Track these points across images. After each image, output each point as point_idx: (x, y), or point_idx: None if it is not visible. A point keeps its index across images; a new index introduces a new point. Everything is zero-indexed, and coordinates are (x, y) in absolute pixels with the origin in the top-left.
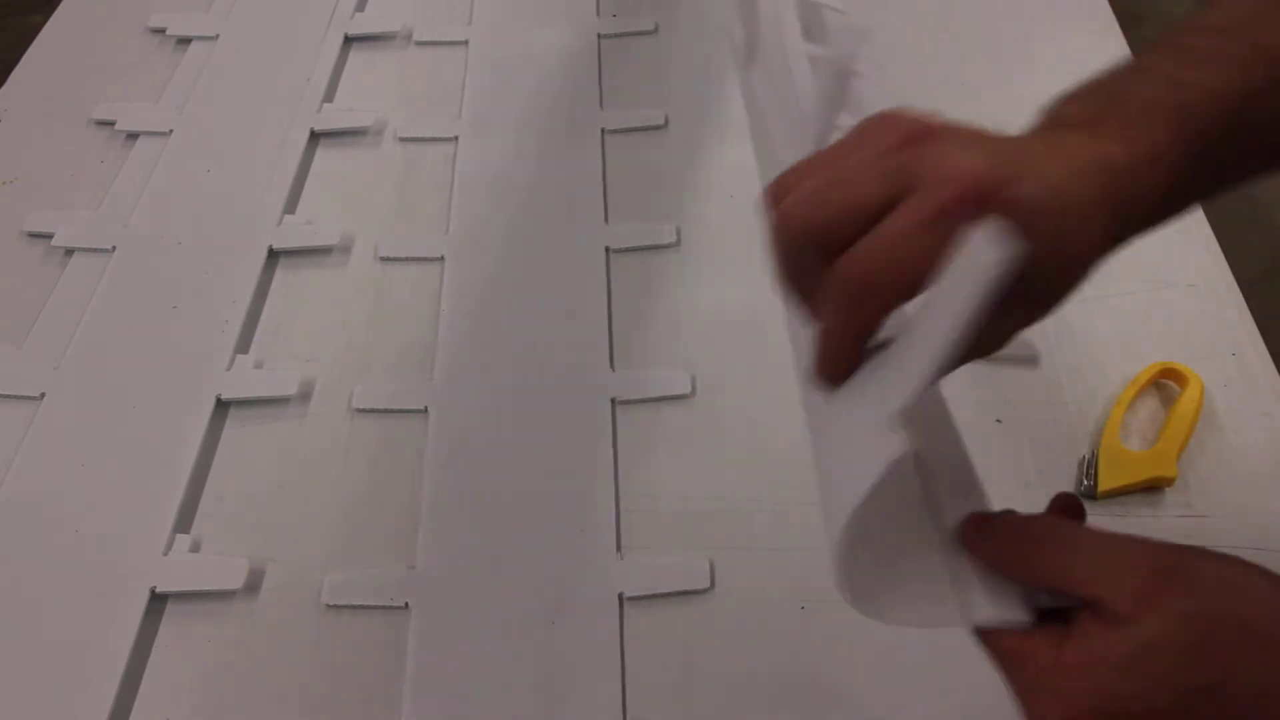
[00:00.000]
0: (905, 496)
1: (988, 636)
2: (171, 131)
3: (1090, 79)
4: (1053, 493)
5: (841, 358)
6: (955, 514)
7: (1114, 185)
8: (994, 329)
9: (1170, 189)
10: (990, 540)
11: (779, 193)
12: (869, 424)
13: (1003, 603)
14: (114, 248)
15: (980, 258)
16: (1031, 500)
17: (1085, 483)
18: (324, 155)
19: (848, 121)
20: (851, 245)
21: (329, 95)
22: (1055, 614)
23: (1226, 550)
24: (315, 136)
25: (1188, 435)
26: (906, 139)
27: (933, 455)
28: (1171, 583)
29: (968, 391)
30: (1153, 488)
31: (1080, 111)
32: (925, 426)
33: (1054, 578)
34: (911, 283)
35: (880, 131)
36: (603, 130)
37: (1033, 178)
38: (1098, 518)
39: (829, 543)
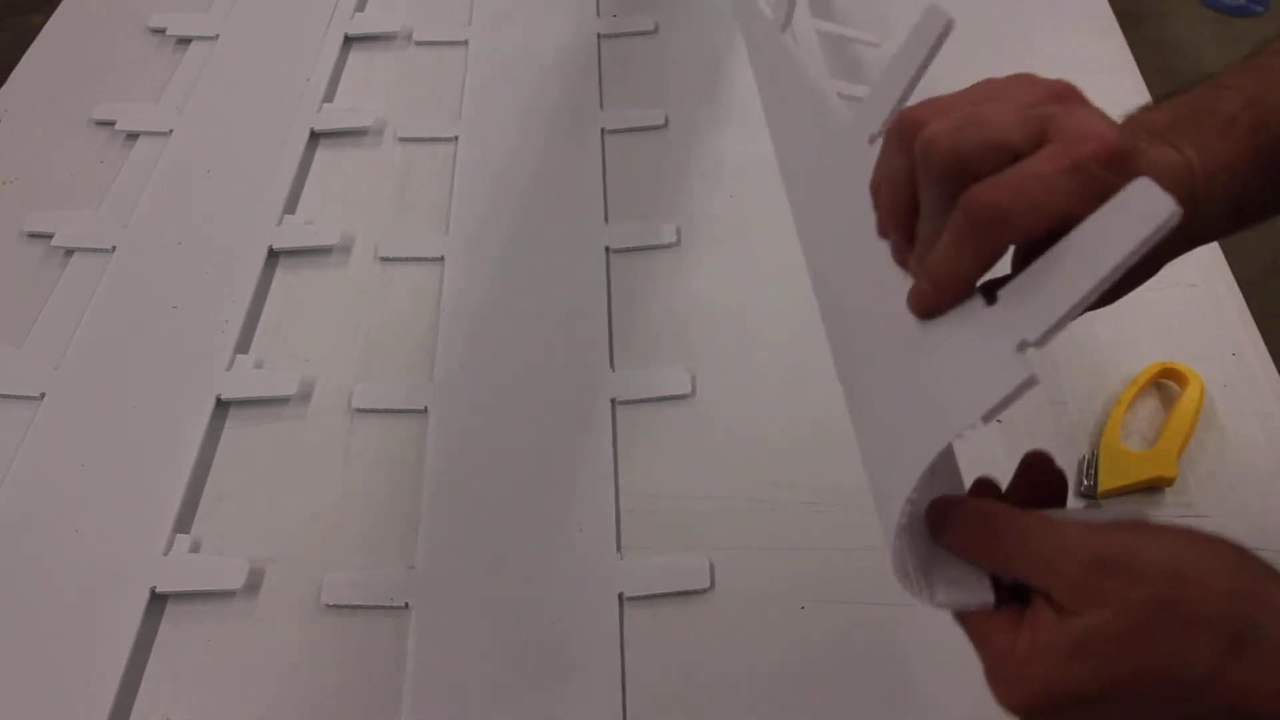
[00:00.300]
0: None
1: (960, 614)
2: (171, 131)
3: (1174, 92)
4: None
5: (955, 285)
6: (929, 492)
7: (1190, 190)
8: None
9: (1241, 201)
10: (949, 529)
11: (909, 124)
12: (990, 349)
13: (963, 585)
14: (114, 248)
15: (1140, 209)
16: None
17: (1085, 483)
18: (324, 155)
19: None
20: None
21: (329, 95)
22: (1019, 590)
23: None
24: (315, 136)
25: (1188, 435)
26: (1050, 95)
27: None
28: (1110, 573)
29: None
30: (1153, 488)
31: (1163, 120)
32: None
33: (1005, 568)
34: (1037, 224)
35: (1022, 85)
36: (603, 130)
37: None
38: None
39: (892, 476)
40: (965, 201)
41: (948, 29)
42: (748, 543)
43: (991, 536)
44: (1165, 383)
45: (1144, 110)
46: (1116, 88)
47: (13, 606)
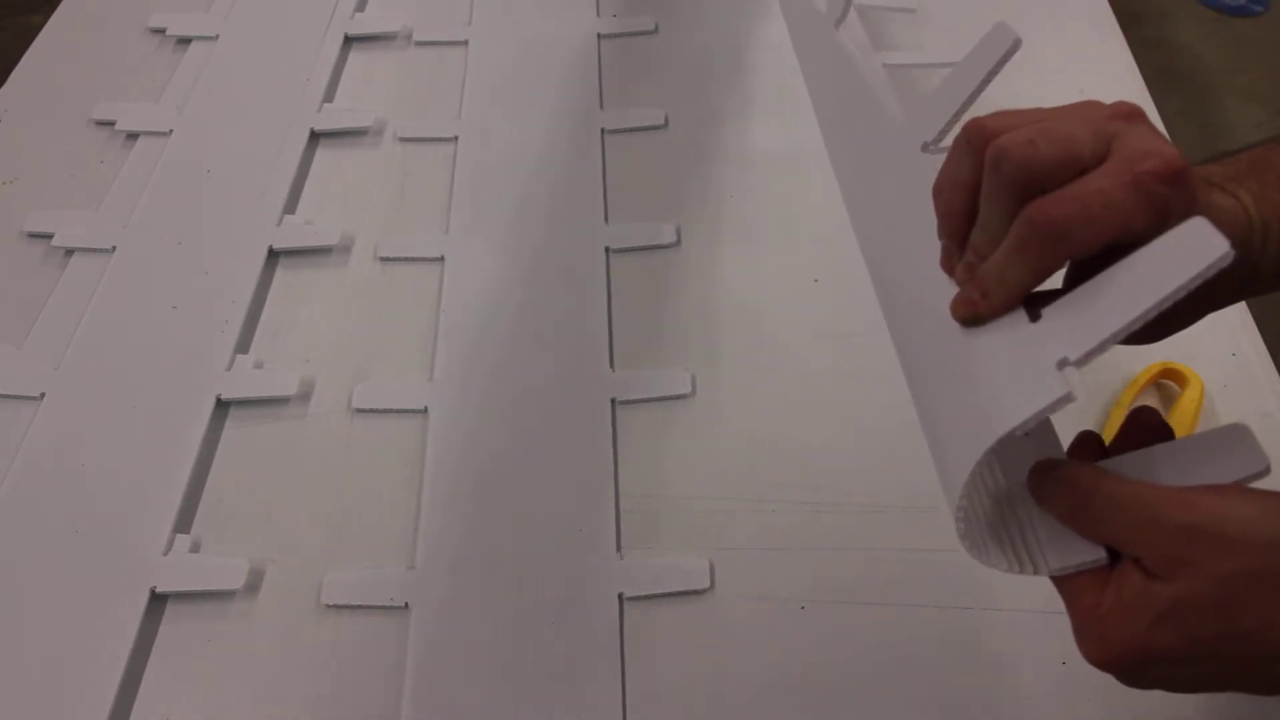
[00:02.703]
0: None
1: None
2: (171, 131)
3: (1237, 153)
4: None
5: (1006, 296)
6: (1024, 453)
7: (1246, 236)
8: (1145, 337)
9: None
10: (1047, 495)
11: (981, 133)
12: (1033, 362)
13: (1073, 547)
14: (114, 248)
15: (1194, 246)
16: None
17: None
18: (324, 155)
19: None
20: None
21: (329, 95)
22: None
23: None
24: (315, 136)
25: (1188, 435)
26: (1115, 115)
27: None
28: (1199, 542)
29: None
30: None
31: (1221, 172)
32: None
33: (1095, 535)
34: (1096, 239)
35: (1088, 105)
36: (603, 130)
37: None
38: None
39: (948, 467)
40: (1032, 213)
41: (1015, 47)
42: (748, 543)
43: (1084, 504)
44: (1165, 383)
45: (1205, 164)
46: (1116, 88)
47: (13, 606)
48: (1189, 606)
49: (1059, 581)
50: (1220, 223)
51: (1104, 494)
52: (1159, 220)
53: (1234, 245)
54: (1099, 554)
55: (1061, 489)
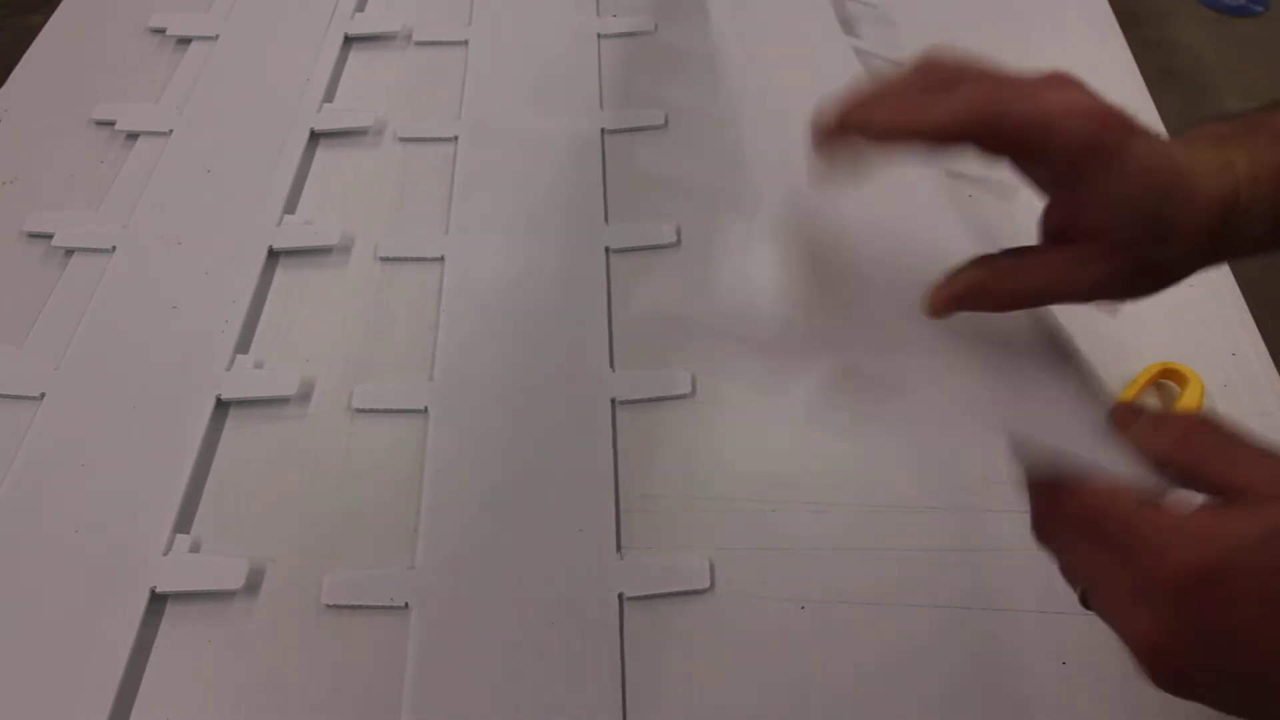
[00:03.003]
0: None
1: (1084, 514)
2: (171, 131)
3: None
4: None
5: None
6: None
7: (1229, 187)
8: (1122, 291)
9: None
10: (1142, 427)
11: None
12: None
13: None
14: (114, 248)
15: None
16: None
17: None
18: (324, 155)
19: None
20: None
21: (329, 95)
22: None
23: None
24: (315, 136)
25: None
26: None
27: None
28: None
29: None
30: None
31: (1215, 128)
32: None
33: (1207, 463)
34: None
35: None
36: (603, 130)
37: (1148, 141)
38: None
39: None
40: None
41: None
42: (748, 543)
43: (1194, 434)
44: (1165, 383)
45: (1202, 121)
46: (1116, 88)
47: (12, 606)
48: None
49: (1122, 514)
50: (1201, 177)
51: (1221, 430)
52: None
53: (1218, 189)
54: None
55: (1164, 420)
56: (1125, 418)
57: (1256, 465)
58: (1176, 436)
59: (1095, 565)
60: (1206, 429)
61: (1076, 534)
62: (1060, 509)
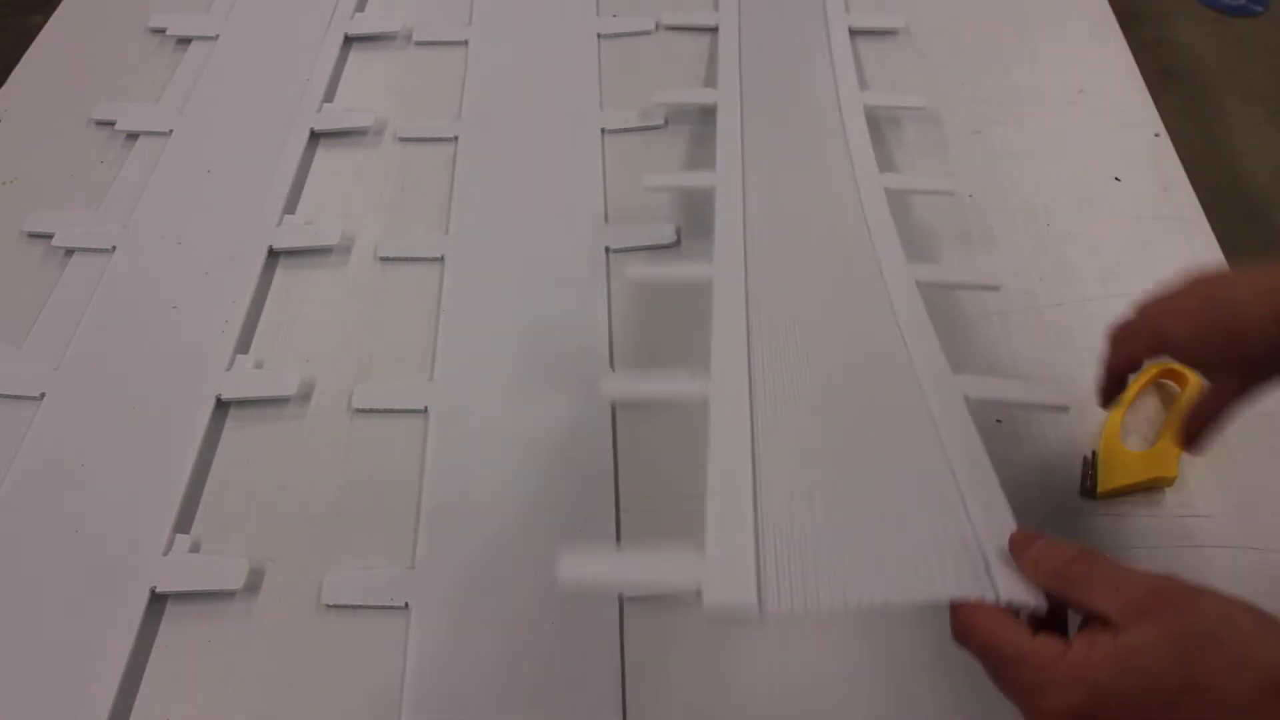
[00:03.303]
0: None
1: (985, 641)
2: (171, 131)
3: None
4: (1053, 493)
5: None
6: (977, 509)
7: None
8: (1224, 401)
9: None
10: (1032, 555)
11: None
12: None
13: (1025, 590)
14: (114, 248)
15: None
16: (1031, 500)
17: (1086, 483)
18: (324, 155)
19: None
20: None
21: (329, 95)
22: (1047, 626)
23: (1227, 550)
24: (315, 136)
25: None
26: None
27: (953, 448)
28: (1165, 601)
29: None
30: (1153, 488)
31: None
32: (947, 421)
33: (1079, 591)
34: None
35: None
36: (603, 130)
37: (1191, 314)
38: (1098, 518)
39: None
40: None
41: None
42: None
43: (1072, 566)
44: (1165, 383)
45: None
46: (1116, 88)
47: (13, 606)
48: (1153, 650)
49: (1005, 650)
50: (1262, 293)
51: (1093, 562)
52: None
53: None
54: (1041, 600)
55: (1049, 553)
56: (1020, 546)
57: (1118, 591)
58: (1057, 566)
59: (996, 679)
60: (1082, 561)
61: (979, 651)
62: (965, 629)
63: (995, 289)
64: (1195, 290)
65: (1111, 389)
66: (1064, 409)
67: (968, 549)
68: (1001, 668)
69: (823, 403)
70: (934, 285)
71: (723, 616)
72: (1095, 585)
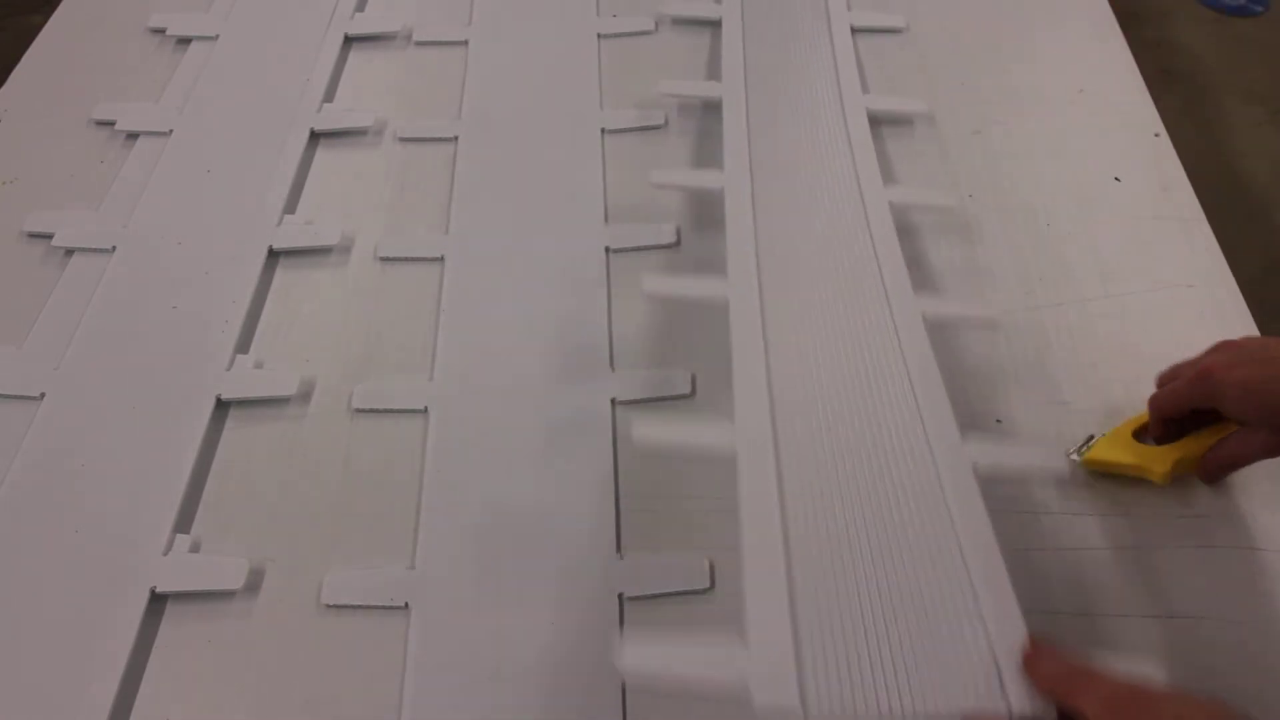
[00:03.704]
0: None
1: None
2: (171, 131)
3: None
4: (1052, 493)
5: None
6: (991, 612)
7: None
8: (1252, 451)
9: None
10: (1043, 669)
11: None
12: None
13: (1033, 702)
14: (114, 248)
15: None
16: (1031, 499)
17: (1081, 448)
18: (324, 155)
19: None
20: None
21: (329, 95)
22: None
23: (1227, 550)
24: (315, 136)
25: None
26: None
27: (966, 540)
28: (1133, 700)
29: (969, 391)
30: (1137, 478)
31: None
32: (958, 505)
33: (1071, 698)
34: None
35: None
36: (603, 130)
37: (1245, 368)
38: (1099, 518)
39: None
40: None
41: None
42: None
43: (1066, 679)
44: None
45: None
46: (1116, 88)
47: (13, 607)
48: None
49: None
50: None
51: (1081, 673)
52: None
53: None
54: (1051, 714)
55: (1054, 666)
56: (1031, 661)
57: (1099, 696)
58: (1060, 677)
59: None
60: (1080, 673)
61: None
62: None
63: (993, 328)
64: (1254, 347)
65: (1157, 429)
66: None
67: (981, 657)
68: None
69: (847, 482)
70: (939, 320)
71: (772, 716)
72: (1086, 693)
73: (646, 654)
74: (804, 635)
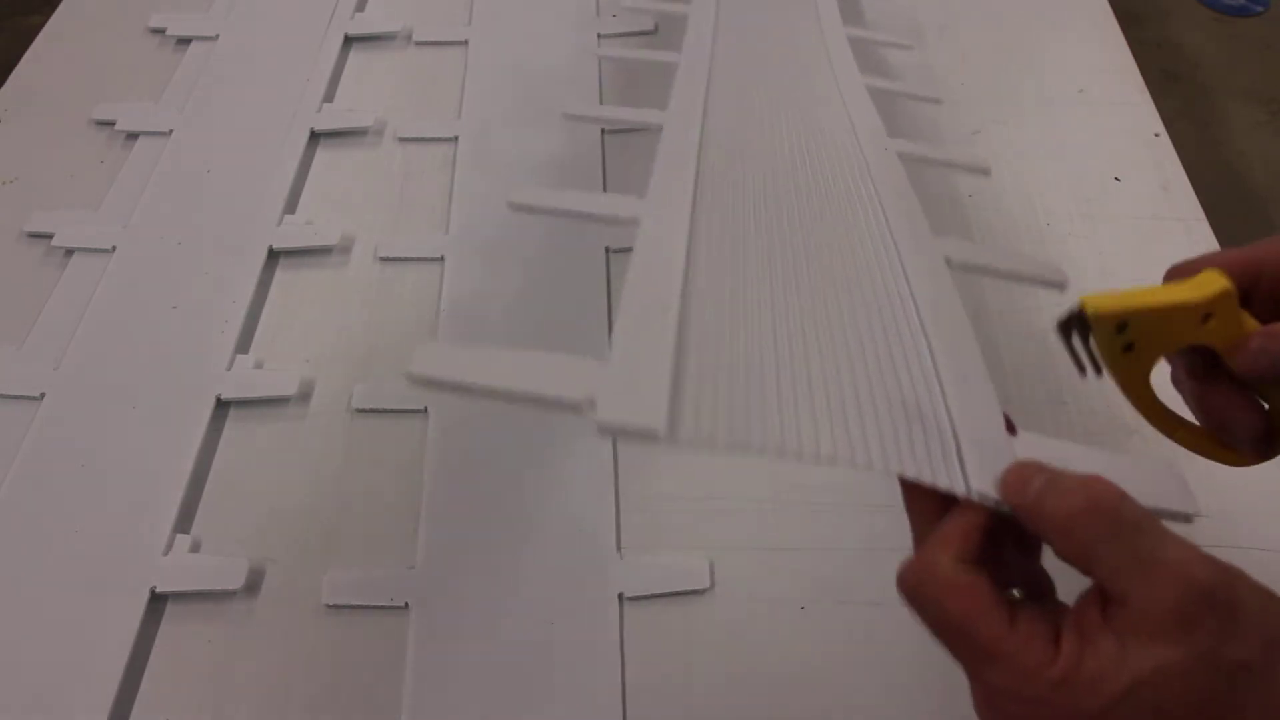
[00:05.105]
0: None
1: (943, 610)
2: (171, 131)
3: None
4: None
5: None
6: (954, 385)
7: None
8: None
9: None
10: (1036, 495)
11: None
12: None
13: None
14: (114, 248)
15: (1171, 490)
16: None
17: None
18: (324, 155)
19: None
20: None
21: (329, 95)
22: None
23: (1227, 550)
24: (315, 136)
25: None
26: None
27: (926, 307)
28: (1211, 609)
29: None
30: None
31: None
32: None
33: (1084, 559)
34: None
35: None
36: (603, 130)
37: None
38: None
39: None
40: None
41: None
42: (748, 543)
43: (1070, 526)
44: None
45: None
46: (1116, 88)
47: (12, 606)
48: (1171, 681)
49: (982, 639)
50: None
51: (1099, 518)
52: None
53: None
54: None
55: (1079, 491)
56: (1014, 486)
57: (1147, 578)
58: (1060, 519)
59: (963, 661)
60: (1096, 518)
61: (931, 619)
62: (918, 580)
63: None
64: None
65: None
66: (1061, 285)
67: (940, 429)
68: (977, 662)
69: (776, 224)
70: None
71: (619, 434)
72: (1113, 557)
73: (449, 356)
74: (691, 346)
